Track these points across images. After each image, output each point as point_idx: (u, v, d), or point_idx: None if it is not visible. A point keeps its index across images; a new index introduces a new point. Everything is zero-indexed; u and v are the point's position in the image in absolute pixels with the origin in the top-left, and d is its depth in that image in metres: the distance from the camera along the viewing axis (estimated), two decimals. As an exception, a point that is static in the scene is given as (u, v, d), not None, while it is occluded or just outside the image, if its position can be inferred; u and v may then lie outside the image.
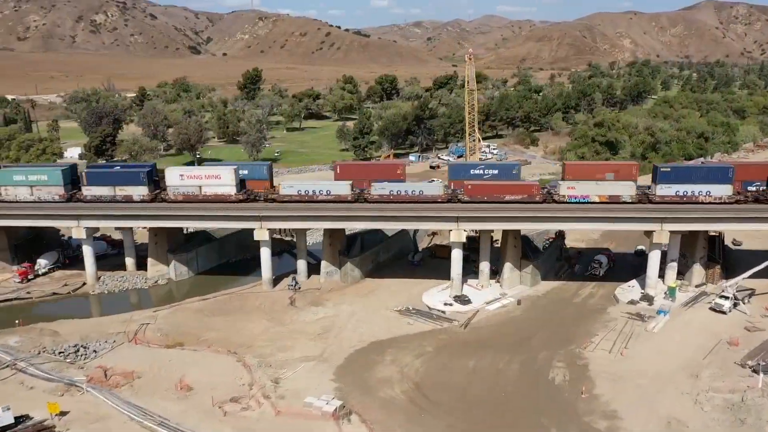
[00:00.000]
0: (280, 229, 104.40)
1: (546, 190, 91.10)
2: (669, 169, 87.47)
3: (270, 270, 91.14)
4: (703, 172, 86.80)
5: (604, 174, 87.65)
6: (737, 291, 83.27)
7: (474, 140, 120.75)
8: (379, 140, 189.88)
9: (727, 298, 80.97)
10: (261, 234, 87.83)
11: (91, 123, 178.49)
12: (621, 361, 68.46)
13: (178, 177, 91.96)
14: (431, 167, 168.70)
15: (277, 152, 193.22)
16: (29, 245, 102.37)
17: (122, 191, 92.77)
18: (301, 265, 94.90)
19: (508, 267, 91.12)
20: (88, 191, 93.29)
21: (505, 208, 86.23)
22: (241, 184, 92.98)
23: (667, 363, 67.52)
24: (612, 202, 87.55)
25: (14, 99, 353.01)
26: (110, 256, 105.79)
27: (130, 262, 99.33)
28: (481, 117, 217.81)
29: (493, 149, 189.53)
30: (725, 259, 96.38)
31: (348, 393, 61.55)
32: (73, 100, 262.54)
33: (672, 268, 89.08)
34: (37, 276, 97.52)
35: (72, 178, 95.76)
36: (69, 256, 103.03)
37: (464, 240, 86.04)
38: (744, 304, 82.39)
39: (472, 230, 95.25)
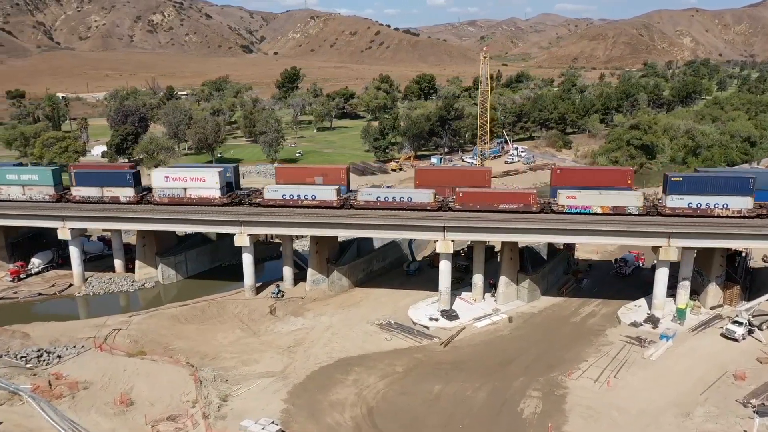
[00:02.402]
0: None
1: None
2: (681, 179, 79.35)
3: (252, 277, 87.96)
4: (719, 182, 78.26)
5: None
6: (754, 316, 74.96)
7: (485, 143, 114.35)
8: (402, 141, 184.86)
9: (740, 323, 72.76)
10: (241, 240, 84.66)
11: (117, 121, 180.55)
12: (605, 392, 61.75)
13: (163, 179, 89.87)
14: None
15: (299, 152, 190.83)
16: (27, 244, 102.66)
17: (109, 192, 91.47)
18: (287, 272, 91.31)
19: (503, 281, 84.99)
20: (77, 191, 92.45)
21: (498, 218, 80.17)
22: (227, 186, 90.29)
23: (658, 397, 60.49)
24: (616, 213, 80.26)
25: (64, 96, 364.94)
26: (107, 256, 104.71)
27: (118, 264, 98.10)
28: (513, 118, 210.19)
29: (521, 152, 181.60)
30: (750, 279, 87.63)
31: (293, 416, 57.45)
32: (112, 97, 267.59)
33: (684, 288, 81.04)
34: (29, 275, 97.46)
35: (63, 179, 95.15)
36: (65, 256, 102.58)
37: (451, 251, 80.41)
38: (761, 331, 73.93)
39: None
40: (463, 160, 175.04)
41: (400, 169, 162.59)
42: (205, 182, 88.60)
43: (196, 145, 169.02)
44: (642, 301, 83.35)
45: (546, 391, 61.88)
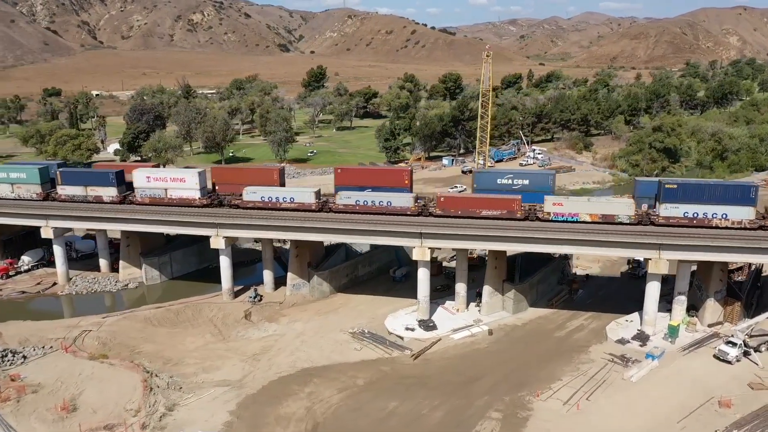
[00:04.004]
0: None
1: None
2: (675, 186, 73.94)
3: (230, 280, 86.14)
4: (718, 190, 72.69)
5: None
6: (752, 336, 69.27)
7: (485, 144, 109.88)
8: (413, 142, 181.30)
9: (735, 344, 67.19)
10: (217, 242, 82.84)
11: (133, 119, 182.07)
12: (572, 416, 57.47)
13: (144, 179, 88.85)
14: (462, 172, 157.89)
15: (311, 152, 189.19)
16: (20, 241, 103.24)
17: (93, 191, 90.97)
18: (267, 276, 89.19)
19: (487, 290, 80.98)
20: (63, 190, 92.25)
21: (479, 225, 76.25)
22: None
23: (629, 425, 55.98)
24: (605, 222, 75.45)
25: (98, 94, 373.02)
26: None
27: (103, 263, 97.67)
28: (533, 119, 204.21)
29: (538, 154, 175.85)
30: (759, 295, 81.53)
31: (235, 430, 55.07)
32: (139, 95, 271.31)
33: (679, 303, 75.84)
34: (18, 273, 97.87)
35: (51, 177, 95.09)
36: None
37: (428, 258, 76.81)
38: (760, 352, 68.20)
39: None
40: (474, 161, 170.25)
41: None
42: (185, 183, 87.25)
43: (205, 143, 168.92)
44: (635, 316, 78.20)
45: (508, 413, 57.95)
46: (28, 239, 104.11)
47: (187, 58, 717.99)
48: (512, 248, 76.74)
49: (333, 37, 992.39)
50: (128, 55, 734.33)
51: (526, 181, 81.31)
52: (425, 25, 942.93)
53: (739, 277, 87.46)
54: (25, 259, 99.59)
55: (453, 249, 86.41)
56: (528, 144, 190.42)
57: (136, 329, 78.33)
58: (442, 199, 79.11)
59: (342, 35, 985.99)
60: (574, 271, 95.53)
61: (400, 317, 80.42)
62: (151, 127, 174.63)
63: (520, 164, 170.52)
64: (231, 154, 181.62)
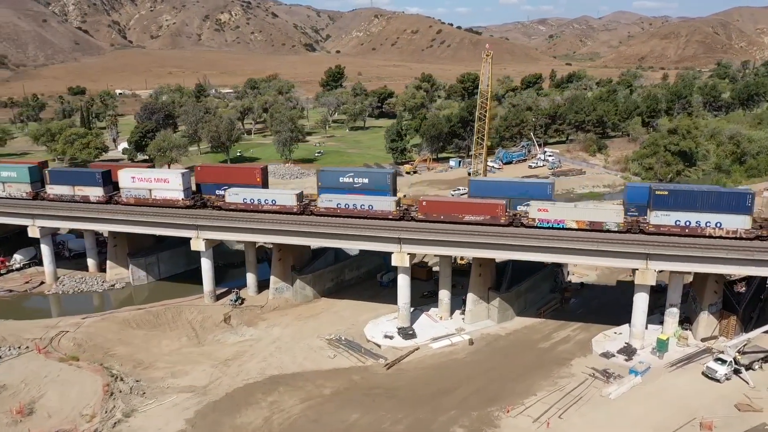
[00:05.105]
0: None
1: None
2: (666, 192, 70.34)
3: (212, 283, 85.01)
4: (712, 197, 68.84)
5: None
6: (745, 353, 65.42)
7: (483, 147, 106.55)
8: (422, 142, 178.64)
9: (724, 362, 63.51)
10: (197, 244, 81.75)
11: (143, 118, 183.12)
12: (541, 435, 54.74)
13: (130, 179, 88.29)
14: (469, 174, 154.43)
15: (318, 152, 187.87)
16: (15, 239, 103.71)
17: (81, 191, 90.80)
18: (250, 278, 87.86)
19: (471, 298, 78.45)
20: (51, 190, 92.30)
21: (461, 231, 73.63)
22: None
23: (599, 445, 53.01)
24: (593, 229, 72.22)
25: (121, 93, 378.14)
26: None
27: (91, 263, 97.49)
28: (546, 120, 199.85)
29: (549, 156, 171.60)
30: (762, 308, 77.22)
31: (186, 441, 53.66)
32: (157, 94, 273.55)
33: (671, 315, 72.36)
34: (10, 271, 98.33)
35: (41, 177, 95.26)
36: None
37: (407, 264, 74.46)
38: (753, 370, 64.46)
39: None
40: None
41: (414, 172, 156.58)
42: (169, 184, 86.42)
43: (210, 143, 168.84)
44: (624, 328, 74.53)
45: (473, 429, 55.41)
46: (22, 237, 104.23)
47: (214, 58, 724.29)
48: (494, 256, 73.93)
49: (359, 37, 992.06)
50: (156, 54, 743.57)
51: (366, 180, 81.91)
52: (451, 24, 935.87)
53: (743, 289, 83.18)
54: (17, 258, 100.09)
55: (435, 255, 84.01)
56: (540, 146, 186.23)
57: (113, 331, 77.68)
58: (424, 203, 76.72)
59: (368, 35, 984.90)
60: (569, 279, 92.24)
61: (381, 324, 78.33)
62: (161, 126, 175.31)
63: (530, 166, 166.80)
64: (238, 154, 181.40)
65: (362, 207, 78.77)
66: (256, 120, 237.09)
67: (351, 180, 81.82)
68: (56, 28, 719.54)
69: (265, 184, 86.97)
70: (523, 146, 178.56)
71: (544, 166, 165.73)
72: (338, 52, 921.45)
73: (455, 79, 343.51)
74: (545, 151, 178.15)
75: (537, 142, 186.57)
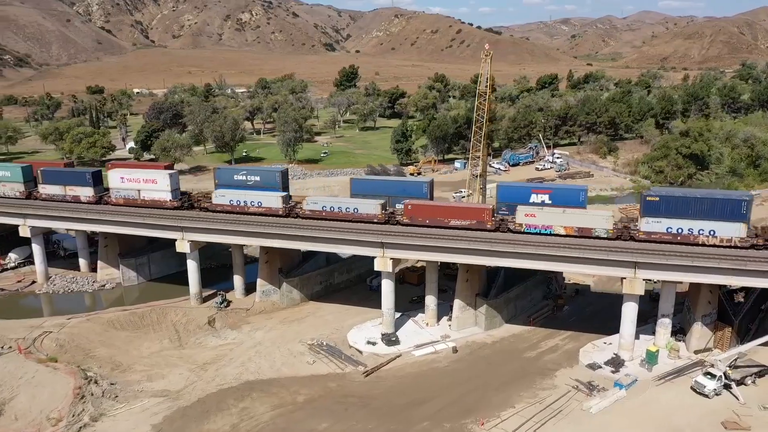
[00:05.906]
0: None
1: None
2: (658, 199, 67.72)
3: (197, 285, 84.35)
4: (706, 204, 66.01)
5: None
6: (739, 367, 62.71)
7: (480, 149, 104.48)
8: (428, 144, 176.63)
9: (714, 376, 60.88)
10: (182, 246, 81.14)
11: (151, 117, 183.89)
12: (513, 449, 52.81)
13: (119, 180, 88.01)
14: (474, 176, 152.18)
15: (324, 152, 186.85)
16: (12, 238, 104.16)
17: (72, 191, 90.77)
18: (238, 281, 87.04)
19: (458, 305, 76.57)
20: (43, 189, 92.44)
21: (446, 236, 71.79)
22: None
23: (573, 462, 50.94)
24: (581, 236, 69.89)
25: (138, 92, 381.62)
26: (90, 253, 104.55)
27: (82, 263, 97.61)
28: (557, 122, 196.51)
29: (557, 158, 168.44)
30: (762, 319, 74.38)
31: (148, 448, 52.79)
32: (171, 93, 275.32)
33: (663, 326, 69.77)
34: (5, 269, 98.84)
35: (34, 176, 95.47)
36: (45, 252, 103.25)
37: (390, 269, 72.97)
38: (745, 385, 61.73)
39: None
40: (491, 165, 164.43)
41: (418, 173, 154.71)
42: (157, 184, 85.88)
43: (215, 143, 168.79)
44: (615, 338, 71.89)
45: (444, 442, 53.75)
46: (18, 236, 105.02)
47: (234, 57, 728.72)
48: (478, 262, 71.92)
49: (379, 37, 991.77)
50: (177, 53, 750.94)
51: (257, 178, 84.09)
52: (471, 24, 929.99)
53: (742, 299, 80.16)
54: (12, 257, 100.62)
55: (418, 260, 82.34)
56: (549, 147, 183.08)
57: (96, 332, 77.30)
58: (409, 206, 75.03)
59: (387, 34, 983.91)
60: (565, 285, 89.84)
61: (366, 329, 76.96)
62: (168, 125, 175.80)
63: (536, 168, 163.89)
64: (244, 154, 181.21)
65: (347, 210, 77.27)
66: (265, 120, 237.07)
67: (244, 177, 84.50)
68: (80, 28, 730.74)
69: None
70: (530, 148, 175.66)
71: (551, 168, 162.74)
72: (357, 51, 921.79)
73: (470, 80, 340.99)
74: (553, 153, 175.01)
75: (546, 143, 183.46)
